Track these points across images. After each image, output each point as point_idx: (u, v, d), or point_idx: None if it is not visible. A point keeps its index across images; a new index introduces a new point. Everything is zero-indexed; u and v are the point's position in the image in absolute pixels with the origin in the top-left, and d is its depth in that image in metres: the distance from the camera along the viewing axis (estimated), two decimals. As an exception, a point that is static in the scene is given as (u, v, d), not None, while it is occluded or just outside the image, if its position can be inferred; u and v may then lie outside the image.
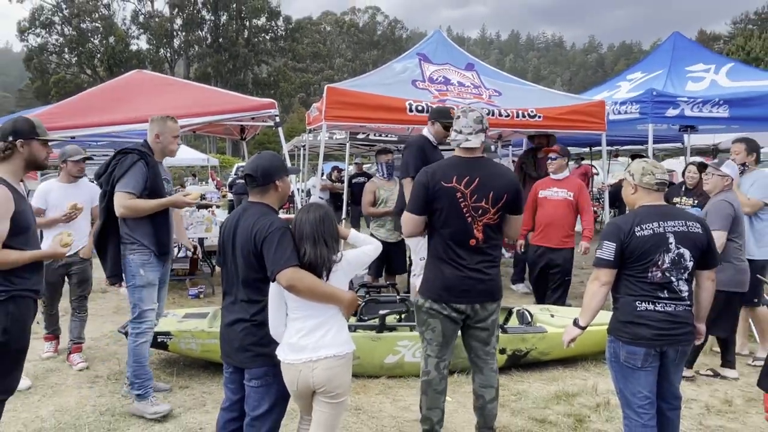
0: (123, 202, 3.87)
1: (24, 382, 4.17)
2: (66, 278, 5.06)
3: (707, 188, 4.66)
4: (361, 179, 12.61)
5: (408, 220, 3.36)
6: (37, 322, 4.11)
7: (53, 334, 5.22)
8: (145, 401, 3.98)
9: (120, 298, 6.66)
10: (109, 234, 4.09)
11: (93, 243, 4.32)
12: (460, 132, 3.29)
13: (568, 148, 6.98)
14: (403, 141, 12.36)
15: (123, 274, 4.10)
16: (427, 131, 4.99)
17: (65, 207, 4.74)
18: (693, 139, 8.83)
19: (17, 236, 2.91)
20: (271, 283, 2.69)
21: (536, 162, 7.57)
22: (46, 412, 4.06)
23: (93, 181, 4.76)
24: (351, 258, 2.79)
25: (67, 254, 4.50)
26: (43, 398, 4.31)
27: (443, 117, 4.88)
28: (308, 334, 2.65)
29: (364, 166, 14.33)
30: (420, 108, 6.25)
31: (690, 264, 2.95)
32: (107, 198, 3.99)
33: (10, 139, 3.02)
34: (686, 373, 4.53)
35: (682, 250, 2.93)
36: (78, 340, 5.06)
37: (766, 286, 4.81)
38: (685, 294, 2.97)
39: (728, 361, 4.82)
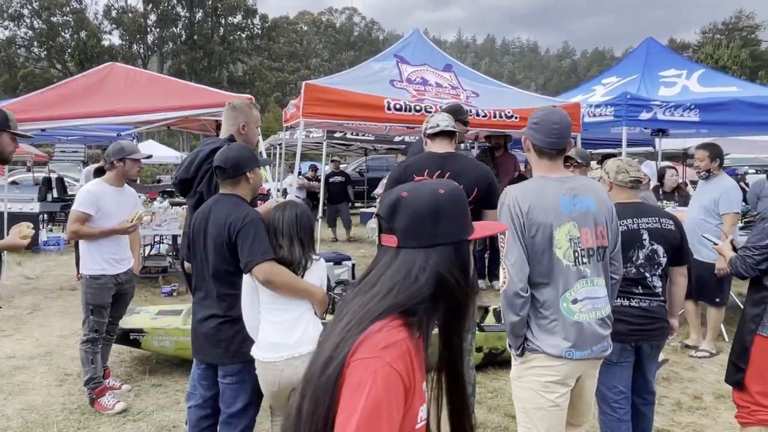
0: None
1: None
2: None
3: None
4: (338, 178, 12.58)
5: None
6: None
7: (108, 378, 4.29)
8: None
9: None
10: None
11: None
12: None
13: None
14: (382, 141, 12.36)
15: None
16: None
17: (118, 215, 4.01)
18: (663, 144, 9.01)
19: None
20: (244, 278, 2.63)
21: (494, 161, 7.63)
22: (12, 411, 3.95)
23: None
24: (323, 273, 2.78)
25: (121, 271, 4.07)
26: (9, 396, 4.19)
27: (458, 114, 4.73)
28: (287, 332, 2.60)
29: (341, 165, 14.28)
30: (398, 106, 6.24)
31: (663, 260, 3.01)
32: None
33: None
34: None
35: (656, 246, 2.99)
36: (105, 365, 4.30)
37: (734, 287, 4.94)
38: (659, 290, 3.02)
39: None
